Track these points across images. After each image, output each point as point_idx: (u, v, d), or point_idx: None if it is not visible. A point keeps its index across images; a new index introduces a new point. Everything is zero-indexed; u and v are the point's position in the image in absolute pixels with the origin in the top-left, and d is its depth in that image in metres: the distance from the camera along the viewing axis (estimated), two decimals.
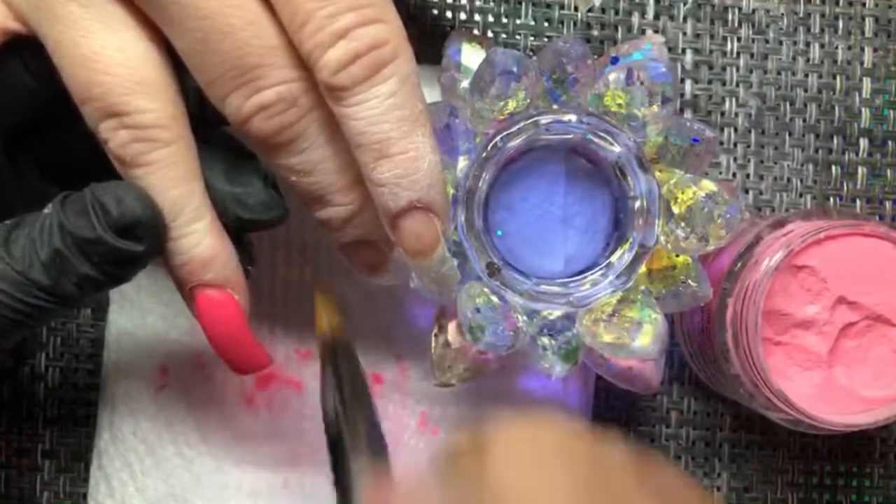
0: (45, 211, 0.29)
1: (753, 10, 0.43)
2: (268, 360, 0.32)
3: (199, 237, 0.30)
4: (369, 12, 0.28)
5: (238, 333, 0.31)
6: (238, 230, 0.32)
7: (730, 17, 0.43)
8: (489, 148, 0.34)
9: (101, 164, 0.31)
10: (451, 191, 0.34)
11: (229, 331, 0.31)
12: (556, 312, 0.35)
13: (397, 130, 0.28)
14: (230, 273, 0.31)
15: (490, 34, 0.42)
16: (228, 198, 0.31)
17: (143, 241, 0.28)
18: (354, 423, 0.30)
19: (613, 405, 0.42)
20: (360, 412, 0.31)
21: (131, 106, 0.28)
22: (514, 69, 0.32)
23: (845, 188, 0.43)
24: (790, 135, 0.43)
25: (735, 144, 0.42)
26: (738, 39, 0.42)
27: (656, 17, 0.42)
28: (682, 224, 0.34)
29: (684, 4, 0.42)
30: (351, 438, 0.30)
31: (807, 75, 0.43)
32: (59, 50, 0.28)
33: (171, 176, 0.29)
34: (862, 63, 0.43)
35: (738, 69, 0.42)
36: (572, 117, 0.34)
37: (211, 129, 0.31)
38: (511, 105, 0.33)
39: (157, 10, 0.28)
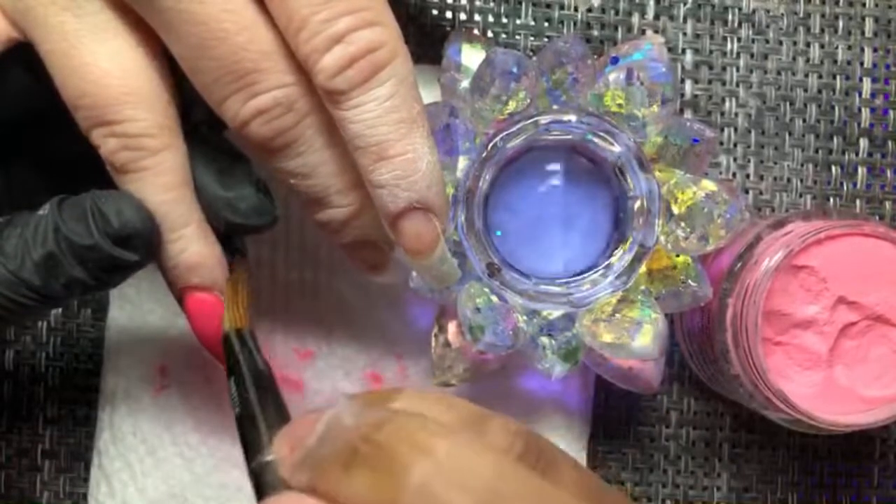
0: (40, 212, 0.29)
1: (753, 10, 0.43)
2: None
3: (185, 243, 0.30)
4: (365, 15, 0.28)
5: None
6: (227, 234, 0.32)
7: (730, 17, 0.43)
8: (489, 148, 0.34)
9: (96, 167, 0.31)
10: (451, 191, 0.34)
11: (217, 332, 0.31)
12: (556, 312, 0.35)
13: (395, 132, 0.28)
14: (217, 276, 0.31)
15: (490, 34, 0.42)
16: (220, 202, 0.31)
17: (137, 252, 0.29)
18: (259, 406, 0.29)
19: (613, 405, 0.42)
20: (263, 396, 0.29)
21: (120, 115, 0.29)
22: (514, 69, 0.32)
23: (845, 188, 0.43)
24: (790, 135, 0.43)
25: (735, 144, 0.42)
26: (738, 39, 0.42)
27: (656, 17, 0.42)
28: (682, 224, 0.34)
29: (684, 4, 0.42)
30: (254, 421, 0.28)
31: (807, 75, 0.43)
32: (51, 59, 0.29)
33: (159, 183, 0.30)
34: (862, 63, 0.43)
35: (738, 69, 0.42)
36: (572, 117, 0.34)
37: (218, 130, 0.32)
38: (511, 105, 0.33)
39: (154, 15, 0.28)
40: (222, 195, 0.31)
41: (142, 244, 0.29)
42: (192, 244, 0.31)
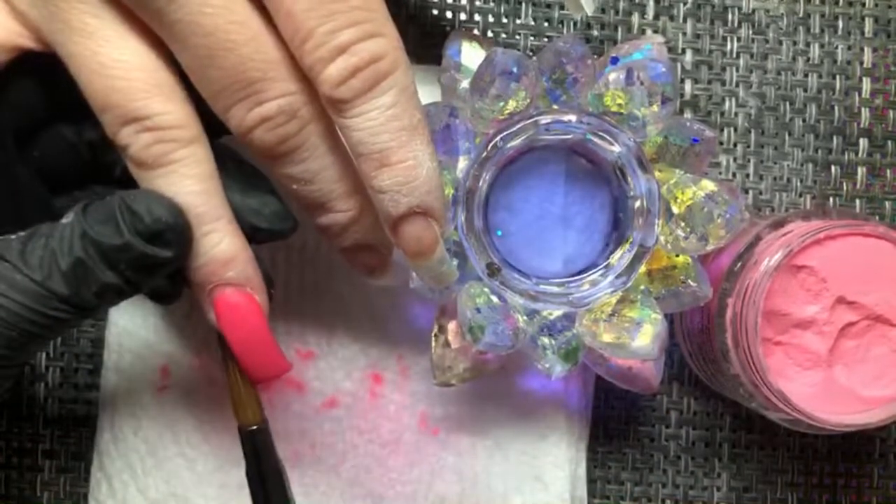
0: (64, 220, 0.29)
1: (753, 10, 0.43)
2: (288, 365, 0.32)
3: (219, 236, 0.30)
4: (368, 27, 0.28)
5: (259, 335, 0.31)
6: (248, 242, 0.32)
7: (730, 17, 0.43)
8: (489, 148, 0.34)
9: (100, 176, 0.31)
10: (451, 191, 0.34)
11: (250, 333, 0.31)
12: (556, 312, 0.35)
13: (397, 140, 0.29)
14: (251, 273, 0.31)
15: (490, 34, 0.42)
16: (245, 208, 0.31)
17: (171, 247, 0.29)
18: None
19: (613, 405, 0.42)
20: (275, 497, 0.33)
21: (151, 109, 0.29)
22: (514, 69, 0.32)
23: (845, 188, 0.43)
24: (790, 135, 0.43)
25: (735, 144, 0.42)
26: (738, 39, 0.43)
27: (656, 17, 0.42)
28: (682, 224, 0.34)
29: (684, 4, 0.43)
30: None
31: (807, 75, 0.43)
32: (77, 61, 0.29)
33: (193, 174, 0.30)
34: (862, 63, 0.43)
35: (738, 69, 0.42)
36: (572, 117, 0.34)
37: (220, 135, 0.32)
38: (511, 105, 0.33)
39: (163, 27, 0.29)
40: (247, 202, 0.31)
41: (175, 238, 0.29)
42: (226, 237, 0.30)
